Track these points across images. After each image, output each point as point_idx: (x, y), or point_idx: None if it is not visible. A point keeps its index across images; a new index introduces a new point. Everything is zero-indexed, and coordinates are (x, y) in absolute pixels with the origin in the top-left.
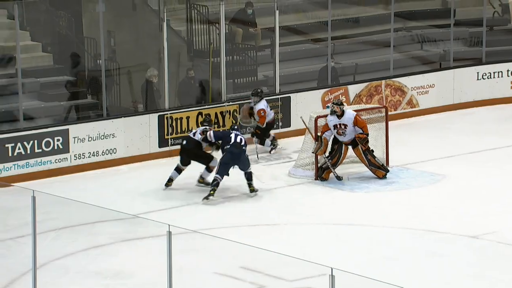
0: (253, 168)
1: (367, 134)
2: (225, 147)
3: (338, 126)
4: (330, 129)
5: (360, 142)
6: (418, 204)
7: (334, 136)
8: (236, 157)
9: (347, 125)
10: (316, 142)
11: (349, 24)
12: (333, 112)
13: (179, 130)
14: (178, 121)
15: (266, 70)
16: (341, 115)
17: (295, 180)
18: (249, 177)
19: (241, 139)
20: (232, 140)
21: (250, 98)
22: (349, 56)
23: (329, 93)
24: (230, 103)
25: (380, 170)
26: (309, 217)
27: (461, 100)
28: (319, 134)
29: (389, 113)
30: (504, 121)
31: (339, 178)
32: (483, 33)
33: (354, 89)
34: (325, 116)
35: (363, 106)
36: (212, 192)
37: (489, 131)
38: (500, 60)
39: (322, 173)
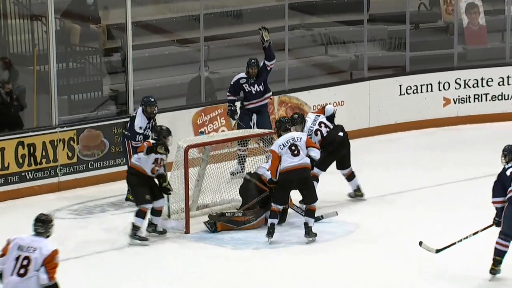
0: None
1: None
2: None
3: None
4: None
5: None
6: (322, 270)
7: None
8: None
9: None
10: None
11: (229, 20)
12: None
13: None
14: None
15: (115, 82)
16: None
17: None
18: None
19: None
20: None
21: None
22: (229, 63)
23: (202, 114)
24: (65, 128)
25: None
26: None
27: (379, 123)
28: None
29: None
30: (436, 150)
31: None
32: (406, 33)
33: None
34: (198, 145)
35: (248, 131)
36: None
37: (415, 163)
38: (429, 68)
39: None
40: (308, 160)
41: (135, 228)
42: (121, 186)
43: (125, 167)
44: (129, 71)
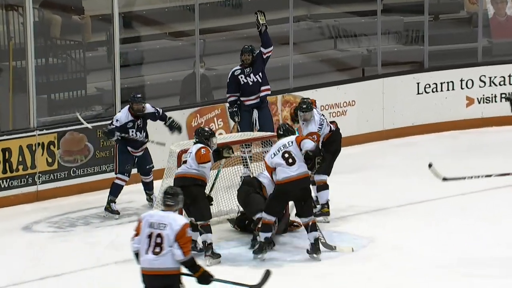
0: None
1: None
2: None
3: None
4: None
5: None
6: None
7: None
8: None
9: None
10: None
11: (227, 10)
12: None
13: None
14: None
15: (101, 80)
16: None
17: None
18: None
19: None
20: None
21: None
22: (228, 59)
23: (198, 115)
24: (44, 131)
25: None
26: None
27: (395, 125)
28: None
29: None
30: (457, 155)
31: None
32: (424, 25)
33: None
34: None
35: (248, 134)
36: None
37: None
38: (450, 64)
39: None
40: (305, 168)
41: (209, 246)
42: (107, 196)
43: (112, 174)
44: (116, 67)
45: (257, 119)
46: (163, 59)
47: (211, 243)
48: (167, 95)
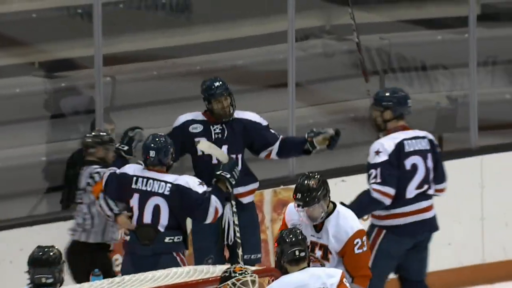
0: None
1: None
2: None
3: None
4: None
5: None
6: None
7: None
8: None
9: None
10: None
11: (161, 17)
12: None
13: None
14: None
15: None
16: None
17: None
18: None
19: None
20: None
21: None
22: (163, 115)
23: None
24: None
25: None
26: None
27: (508, 255)
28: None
29: None
30: None
31: None
32: None
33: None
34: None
35: (218, 269)
36: None
37: None
38: None
39: None
40: None
41: None
42: None
43: None
44: None
45: (231, 222)
46: (29, 116)
47: None
48: (28, 192)
